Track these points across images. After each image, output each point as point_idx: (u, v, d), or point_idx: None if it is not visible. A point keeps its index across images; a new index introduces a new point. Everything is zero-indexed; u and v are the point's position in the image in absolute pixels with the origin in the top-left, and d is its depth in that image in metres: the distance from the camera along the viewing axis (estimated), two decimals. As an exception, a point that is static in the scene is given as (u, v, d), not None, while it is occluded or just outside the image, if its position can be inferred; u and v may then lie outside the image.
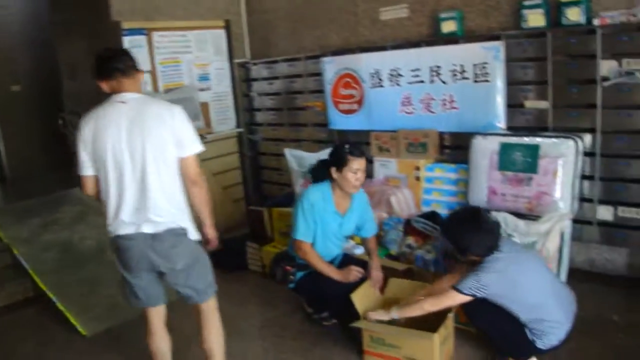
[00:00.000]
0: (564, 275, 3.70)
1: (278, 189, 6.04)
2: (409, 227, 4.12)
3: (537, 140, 3.78)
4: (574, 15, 3.78)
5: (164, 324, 2.94)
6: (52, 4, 6.15)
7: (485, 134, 4.04)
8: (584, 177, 3.85)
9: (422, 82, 4.48)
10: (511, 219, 3.68)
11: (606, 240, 3.91)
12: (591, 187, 3.88)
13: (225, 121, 5.99)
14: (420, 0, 4.66)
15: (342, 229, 3.58)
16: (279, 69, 5.75)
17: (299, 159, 4.97)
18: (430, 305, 3.02)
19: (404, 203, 4.37)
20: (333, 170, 3.41)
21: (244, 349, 3.56)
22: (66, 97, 6.26)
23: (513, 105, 4.13)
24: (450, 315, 3.18)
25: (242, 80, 6.15)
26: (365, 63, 4.81)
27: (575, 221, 3.83)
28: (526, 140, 3.83)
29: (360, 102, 4.93)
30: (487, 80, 4.12)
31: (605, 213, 3.84)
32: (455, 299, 2.93)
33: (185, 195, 2.77)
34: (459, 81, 4.27)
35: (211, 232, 2.91)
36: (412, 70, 4.51)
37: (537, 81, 3.99)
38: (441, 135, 4.53)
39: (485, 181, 3.99)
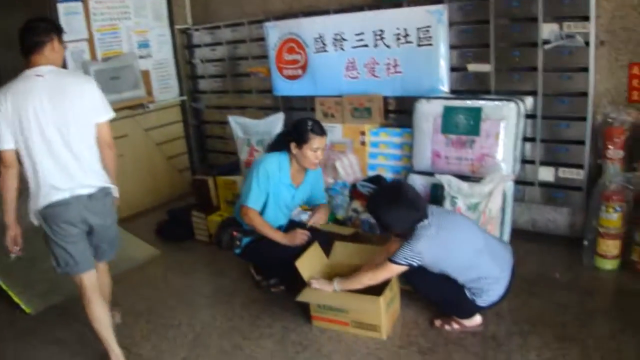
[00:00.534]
0: (507, 236, 3.74)
1: (224, 157, 5.89)
2: (354, 191, 4.08)
3: (480, 103, 3.76)
4: (515, -22, 3.74)
5: (98, 291, 2.96)
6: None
7: (428, 98, 4.00)
8: (525, 139, 3.87)
9: (366, 46, 4.38)
10: (455, 181, 3.67)
11: (547, 200, 3.96)
12: (533, 149, 3.90)
13: (168, 89, 5.77)
14: (363, -37, 4.54)
15: (294, 200, 3.53)
16: (221, 34, 5.53)
17: (244, 126, 4.83)
18: (369, 279, 3.02)
19: (349, 168, 4.32)
20: (293, 146, 3.35)
21: (192, 318, 3.49)
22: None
23: (456, 69, 4.09)
24: (395, 278, 3.17)
25: (184, 47, 5.91)
26: (309, 28, 4.67)
27: (518, 182, 3.87)
28: (469, 103, 3.80)
29: (304, 68, 4.80)
30: (430, 44, 4.06)
31: (546, 174, 3.88)
32: (393, 270, 2.94)
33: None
34: (403, 45, 4.20)
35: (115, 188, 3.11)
36: (356, 35, 4.40)
37: (479, 44, 3.96)
38: (386, 99, 4.46)
39: (429, 144, 3.96)
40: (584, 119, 3.67)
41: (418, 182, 3.89)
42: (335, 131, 4.49)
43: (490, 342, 2.97)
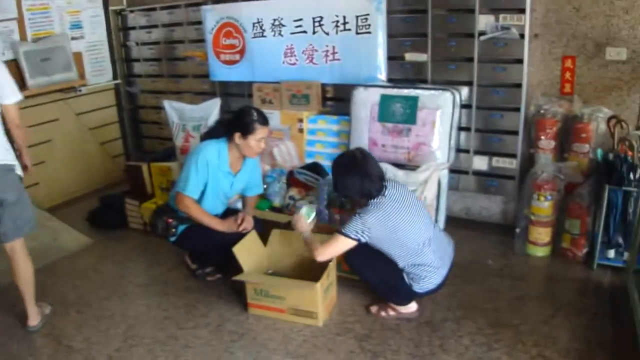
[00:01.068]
0: (442, 223, 3.75)
1: (159, 143, 5.65)
2: (291, 178, 3.99)
3: (416, 92, 3.74)
4: (453, -31, 3.72)
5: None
6: None
7: (365, 86, 3.95)
8: (460, 128, 3.87)
9: (304, 32, 4.28)
10: (391, 168, 3.65)
11: (481, 189, 3.99)
12: (467, 139, 3.91)
13: (101, 72, 5.43)
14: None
15: (232, 188, 3.40)
16: (157, 17, 5.27)
17: (180, 111, 4.63)
18: (321, 251, 2.89)
19: (286, 155, 4.22)
20: (237, 136, 3.21)
21: (125, 309, 3.31)
22: None
23: (393, 58, 4.05)
24: (332, 265, 3.11)
25: (118, 29, 5.61)
26: (247, 12, 4.51)
27: (452, 171, 3.88)
28: (405, 92, 3.77)
29: (242, 53, 4.64)
30: (368, 32, 4.00)
31: (480, 163, 3.91)
32: (341, 242, 2.83)
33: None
34: (341, 32, 4.12)
35: (28, 159, 3.16)
36: (295, 21, 4.29)
37: (417, 34, 3.93)
38: (324, 87, 4.38)
39: (366, 132, 3.91)
40: (517, 109, 3.71)
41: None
42: (273, 118, 4.35)
43: (425, 327, 2.95)
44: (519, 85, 3.66)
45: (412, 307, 3.04)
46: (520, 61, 3.62)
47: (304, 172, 3.93)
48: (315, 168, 3.99)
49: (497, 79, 3.73)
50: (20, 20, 4.73)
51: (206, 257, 3.53)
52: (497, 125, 3.80)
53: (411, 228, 2.83)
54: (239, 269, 3.14)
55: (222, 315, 3.17)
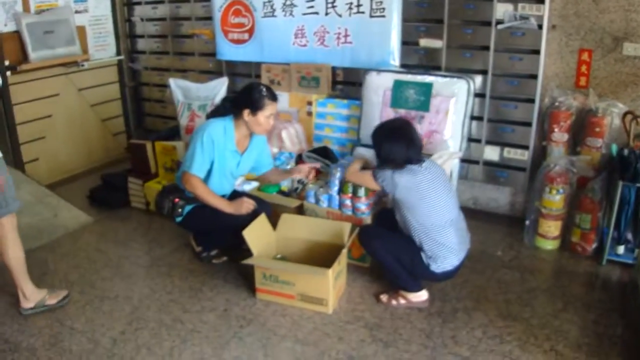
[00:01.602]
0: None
1: (161, 122, 5.49)
2: (300, 162, 3.88)
3: (431, 78, 3.65)
4: (473, -45, 3.60)
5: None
6: None
7: (378, 71, 3.84)
8: (473, 117, 3.78)
9: (316, 13, 4.14)
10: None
11: (491, 179, 3.91)
12: (479, 128, 3.82)
13: (104, 47, 5.25)
14: None
15: (239, 167, 3.31)
16: (163, -7, 5.10)
17: (185, 90, 4.50)
18: (349, 174, 3.19)
19: (295, 138, 4.10)
20: (246, 113, 3.11)
21: (129, 290, 3.21)
22: None
23: (407, 43, 3.94)
24: (344, 252, 3.03)
25: (122, 4, 5.40)
26: (257, -10, 4.37)
27: (462, 160, 3.80)
28: (419, 78, 3.68)
29: (251, 32, 4.50)
30: (383, 16, 3.87)
31: (491, 153, 3.82)
32: (366, 178, 3.00)
33: None
34: (355, 15, 3.99)
35: None
36: (307, 1, 4.15)
37: (433, 19, 3.81)
38: (334, 70, 4.26)
39: (378, 118, 3.80)
40: (532, 101, 3.61)
41: (366, 156, 3.73)
42: (282, 100, 4.18)
43: (436, 318, 2.90)
44: (535, 77, 3.57)
45: (423, 295, 2.98)
46: (537, 52, 3.52)
47: (314, 155, 3.82)
48: (324, 152, 3.88)
49: (512, 69, 3.63)
50: (24, -9, 4.55)
51: (212, 239, 3.43)
52: (510, 116, 3.71)
53: (440, 201, 2.83)
54: (245, 253, 3.06)
55: (229, 299, 3.09)
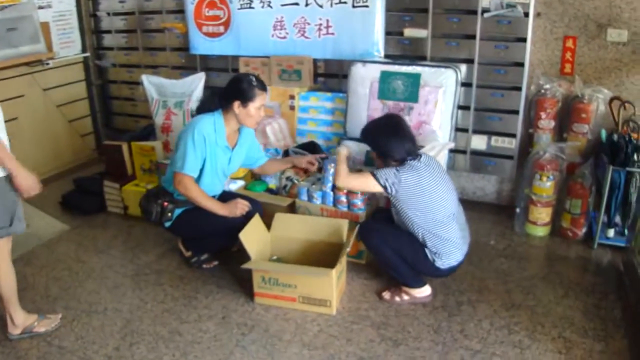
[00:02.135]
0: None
1: (132, 121, 5.23)
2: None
3: (418, 69, 3.56)
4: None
5: None
6: None
7: (365, 62, 3.73)
8: (460, 107, 3.72)
9: (296, 4, 3.99)
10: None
11: (478, 168, 3.87)
12: (465, 117, 3.77)
13: (69, 45, 4.93)
14: None
15: (230, 164, 3.14)
16: (130, -16, 4.83)
17: (159, 86, 4.28)
18: (342, 181, 2.91)
19: (279, 133, 3.96)
20: (236, 105, 2.95)
21: (118, 302, 3.01)
22: None
23: (391, 33, 3.84)
24: (346, 250, 2.92)
25: (87, -2, 5.12)
26: (233, -19, 4.19)
27: (450, 150, 3.72)
28: (407, 69, 3.59)
29: (227, 25, 4.31)
30: (366, 6, 3.77)
31: (479, 142, 3.78)
32: (368, 181, 2.77)
33: None
34: (337, 5, 3.87)
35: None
36: (286, -8, 4.01)
37: (417, 9, 3.73)
38: (315, 62, 4.12)
39: (365, 110, 3.71)
40: (519, 88, 3.59)
41: (352, 149, 3.63)
42: (263, 94, 4.10)
43: (441, 312, 2.84)
44: (521, 64, 3.54)
45: (426, 291, 2.91)
46: (524, 40, 3.49)
47: (301, 151, 3.69)
48: (312, 147, 3.76)
49: (498, 57, 3.59)
50: (-18, -14, 4.22)
51: (203, 243, 3.26)
52: (497, 104, 3.68)
53: (441, 196, 2.75)
54: (235, 255, 2.96)
55: (226, 306, 2.94)
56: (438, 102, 3.51)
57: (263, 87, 3.00)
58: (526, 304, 2.87)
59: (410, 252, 2.78)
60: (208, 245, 3.27)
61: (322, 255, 3.01)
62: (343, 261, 2.97)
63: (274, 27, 4.13)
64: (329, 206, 3.28)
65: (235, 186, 3.61)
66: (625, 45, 3.42)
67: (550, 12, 3.50)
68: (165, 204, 3.08)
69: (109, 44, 5.16)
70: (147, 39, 4.90)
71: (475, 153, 3.82)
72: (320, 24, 3.96)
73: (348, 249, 2.93)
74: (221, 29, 4.35)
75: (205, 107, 3.11)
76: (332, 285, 2.77)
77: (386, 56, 3.86)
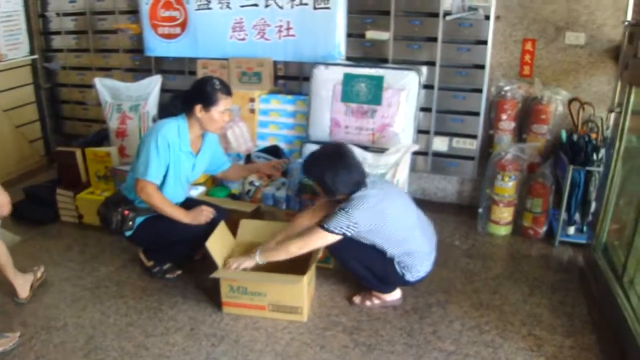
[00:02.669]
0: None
1: (83, 126, 5.00)
2: (250, 162, 3.64)
3: (382, 71, 3.55)
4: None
5: None
6: None
7: (327, 64, 3.69)
8: (421, 109, 3.73)
9: (255, 5, 3.92)
10: (359, 151, 3.41)
11: (440, 170, 3.89)
12: (428, 119, 3.78)
13: (17, 46, 4.66)
14: None
15: (194, 170, 3.02)
16: (81, -16, 4.61)
17: (113, 89, 4.10)
18: (297, 248, 2.63)
19: (240, 137, 3.85)
20: (198, 109, 2.83)
21: (78, 317, 2.83)
22: None
23: (352, 35, 3.82)
24: (316, 256, 2.85)
25: (35, -3, 4.86)
26: (189, -19, 4.06)
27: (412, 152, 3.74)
28: (370, 71, 3.57)
29: (183, 26, 4.18)
30: (327, 7, 3.73)
31: (440, 144, 3.80)
32: (326, 238, 2.58)
33: None
34: (297, 7, 3.82)
35: None
36: (245, -7, 3.92)
37: (379, 11, 3.71)
38: (275, 64, 4.05)
39: (328, 113, 3.67)
40: (480, 90, 3.62)
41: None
42: (222, 97, 3.98)
43: (412, 315, 2.82)
44: (482, 67, 3.58)
45: (397, 294, 2.88)
46: (484, 42, 3.53)
47: (264, 155, 3.61)
48: (275, 151, 3.68)
49: (460, 60, 3.62)
50: None
51: (165, 252, 3.12)
52: (458, 106, 3.71)
53: (399, 215, 2.64)
54: (198, 263, 2.84)
55: (193, 317, 2.82)
56: (401, 105, 3.50)
57: (227, 92, 2.89)
58: (494, 304, 2.89)
59: (380, 267, 2.72)
60: (170, 254, 3.13)
61: (289, 261, 2.93)
62: (313, 267, 2.91)
63: (232, 29, 4.03)
64: (295, 211, 3.21)
65: (197, 192, 3.50)
66: (582, 48, 3.50)
67: (509, 16, 3.55)
68: (127, 212, 2.93)
69: (58, 45, 4.91)
70: (98, 41, 4.70)
71: (437, 154, 3.84)
72: (281, 26, 3.89)
73: (319, 255, 2.86)
74: (177, 30, 4.21)
75: (167, 111, 2.99)
76: (303, 292, 2.70)
77: (348, 58, 3.83)
